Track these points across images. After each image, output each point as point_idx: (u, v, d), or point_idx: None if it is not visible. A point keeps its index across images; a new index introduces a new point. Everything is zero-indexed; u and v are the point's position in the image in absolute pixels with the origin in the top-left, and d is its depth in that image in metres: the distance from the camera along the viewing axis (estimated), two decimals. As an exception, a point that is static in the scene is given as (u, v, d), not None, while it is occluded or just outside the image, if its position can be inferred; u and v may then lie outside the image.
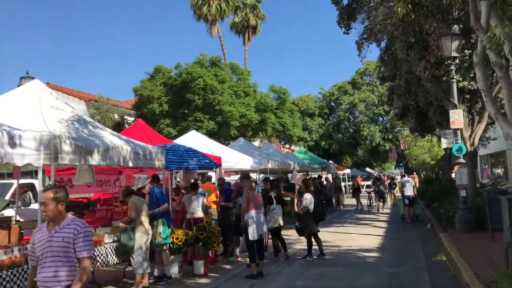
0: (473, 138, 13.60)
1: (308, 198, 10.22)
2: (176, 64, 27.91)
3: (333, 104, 60.57)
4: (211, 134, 25.19)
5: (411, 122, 18.44)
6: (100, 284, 7.95)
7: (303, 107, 58.66)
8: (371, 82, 58.11)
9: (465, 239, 10.86)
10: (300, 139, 55.59)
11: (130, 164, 7.81)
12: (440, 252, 10.28)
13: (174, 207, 10.49)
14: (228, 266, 9.73)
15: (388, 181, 26.27)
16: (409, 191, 17.19)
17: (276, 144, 35.86)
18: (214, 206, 11.28)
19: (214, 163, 10.94)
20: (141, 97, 27.26)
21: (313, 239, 10.30)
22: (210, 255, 9.41)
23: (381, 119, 57.19)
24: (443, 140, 12.74)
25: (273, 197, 10.20)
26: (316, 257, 10.03)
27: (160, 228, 8.25)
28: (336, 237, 13.71)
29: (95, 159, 6.81)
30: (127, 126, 27.91)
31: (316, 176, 24.04)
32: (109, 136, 7.75)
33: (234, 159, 14.46)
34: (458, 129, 12.22)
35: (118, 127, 27.59)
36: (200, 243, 8.79)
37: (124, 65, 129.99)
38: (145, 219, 7.76)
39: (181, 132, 23.27)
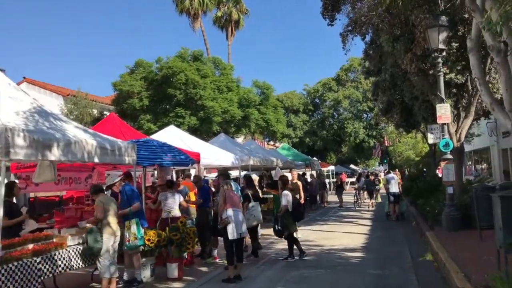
0: (460, 134, 13.24)
1: (286, 196, 9.75)
2: (157, 58, 27.22)
3: (317, 101, 60.37)
4: (193, 130, 24.56)
5: (396, 117, 18.07)
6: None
7: (288, 103, 58.29)
8: (356, 78, 58.00)
9: (453, 238, 10.48)
10: (284, 135, 55.40)
11: (96, 160, 7.19)
12: (427, 251, 9.88)
13: (149, 206, 9.91)
14: (204, 269, 9.17)
15: (373, 177, 25.90)
16: (394, 188, 16.80)
17: (259, 141, 35.37)
18: (193, 206, 10.72)
19: (190, 159, 10.35)
20: (120, 92, 26.50)
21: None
22: (186, 257, 8.84)
23: (365, 115, 57.13)
24: (430, 136, 12.35)
25: (249, 194, 9.66)
26: (297, 258, 9.52)
27: (134, 228, 7.67)
28: (319, 235, 13.26)
29: (54, 154, 6.18)
30: (106, 122, 27.09)
31: (301, 173, 23.59)
32: (72, 129, 7.11)
33: (214, 155, 13.90)
34: (445, 124, 11.83)
35: (96, 123, 26.81)
36: (174, 245, 8.22)
37: (105, 60, 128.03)
38: (112, 220, 7.16)
39: (162, 128, 22.54)
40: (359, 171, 43.57)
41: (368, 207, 22.89)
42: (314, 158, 29.99)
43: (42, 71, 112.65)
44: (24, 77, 30.65)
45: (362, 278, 7.80)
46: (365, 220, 17.15)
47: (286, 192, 9.78)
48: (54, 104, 27.49)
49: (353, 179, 44.23)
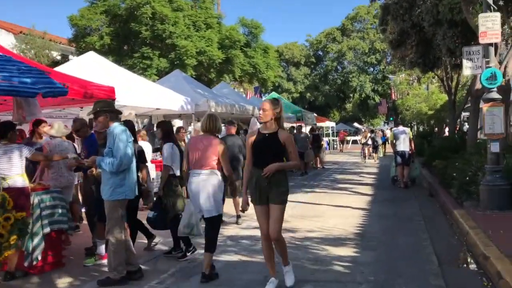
0: (505, 66, 9.03)
1: (168, 151, 5.85)
2: (121, -14, 22.60)
3: (320, 53, 55.73)
4: (164, 75, 20.44)
5: (411, 52, 13.72)
6: None
7: (288, 55, 53.69)
8: (362, 29, 53.13)
9: (501, 223, 6.56)
10: (284, 90, 51.12)
11: None
12: (462, 248, 5.92)
13: None
14: (67, 280, 5.22)
15: (380, 133, 23.35)
16: (403, 145, 12.66)
17: (250, 91, 31.10)
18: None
19: (58, 88, 6.06)
20: (77, 28, 22.14)
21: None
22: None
23: (371, 69, 52.56)
24: (466, 64, 8.11)
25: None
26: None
27: None
28: (298, 210, 9.33)
29: None
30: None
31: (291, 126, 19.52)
32: None
33: (153, 95, 9.85)
34: (491, 44, 7.63)
35: (55, 65, 22.72)
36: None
37: None
38: None
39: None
40: (363, 129, 39.47)
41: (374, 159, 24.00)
42: (308, 111, 25.76)
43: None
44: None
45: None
46: (365, 187, 13.14)
47: (169, 144, 5.91)
48: (3, 43, 23.32)
49: (357, 138, 40.46)
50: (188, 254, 5.71)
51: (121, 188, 4.88)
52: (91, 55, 10.02)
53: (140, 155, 5.62)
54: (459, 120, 22.45)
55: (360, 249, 6.08)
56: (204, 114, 10.47)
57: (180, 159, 5.85)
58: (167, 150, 5.81)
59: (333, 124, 38.33)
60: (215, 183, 4.97)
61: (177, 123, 12.31)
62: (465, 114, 25.73)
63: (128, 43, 22.24)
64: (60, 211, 5.43)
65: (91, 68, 9.22)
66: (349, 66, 51.85)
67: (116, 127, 4.90)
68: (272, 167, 4.37)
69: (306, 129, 20.96)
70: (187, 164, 5.12)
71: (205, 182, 4.93)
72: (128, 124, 5.49)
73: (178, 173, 5.83)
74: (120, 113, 5.43)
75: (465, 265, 5.28)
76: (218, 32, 22.83)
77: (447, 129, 22.31)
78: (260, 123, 4.74)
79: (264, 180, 4.40)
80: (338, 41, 53.07)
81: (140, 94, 9.42)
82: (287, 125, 20.62)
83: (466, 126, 26.36)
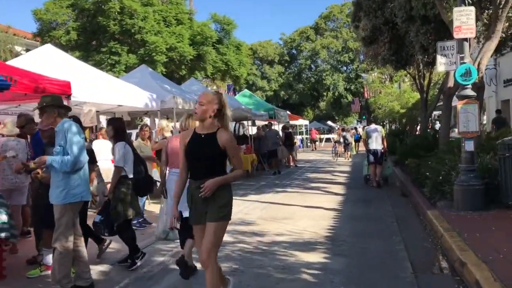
0: (479, 62, 8.84)
1: (121, 151, 5.34)
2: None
3: (294, 52, 55.68)
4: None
5: (384, 49, 13.49)
6: None
7: (262, 53, 53.46)
8: (335, 28, 53.29)
9: (476, 224, 6.36)
10: (258, 88, 50.73)
11: None
12: (436, 252, 5.66)
13: None
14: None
15: (353, 131, 23.31)
16: (376, 144, 12.44)
17: (223, 89, 30.61)
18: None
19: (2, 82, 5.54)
20: (42, 22, 21.25)
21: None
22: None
23: (345, 68, 52.76)
24: (440, 60, 7.85)
25: None
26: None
27: None
28: (268, 212, 8.96)
29: None
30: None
31: (262, 125, 19.18)
32: None
33: (116, 92, 9.30)
34: (466, 39, 7.39)
35: (18, 62, 21.74)
36: None
37: None
38: None
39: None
40: (337, 127, 39.44)
41: (345, 158, 24.25)
42: (281, 109, 25.44)
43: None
44: None
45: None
46: (337, 186, 12.87)
47: (121, 144, 5.37)
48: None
49: (330, 136, 40.51)
50: (137, 261, 5.22)
51: (76, 189, 4.39)
52: (49, 48, 9.38)
53: (89, 154, 5.13)
54: (430, 118, 22.51)
55: (330, 254, 5.73)
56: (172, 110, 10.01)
57: (135, 160, 5.34)
58: (119, 150, 5.27)
59: (306, 122, 38.10)
60: None
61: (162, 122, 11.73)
62: (436, 113, 25.85)
63: (95, 38, 21.50)
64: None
65: (49, 61, 8.64)
66: (323, 65, 51.94)
67: (66, 122, 4.42)
68: (211, 185, 3.45)
69: (278, 127, 20.64)
70: (166, 163, 5.14)
71: None
72: (76, 121, 4.99)
73: (131, 175, 5.33)
74: (70, 109, 4.92)
75: (440, 272, 4.99)
76: (190, 28, 22.29)
77: (418, 127, 22.33)
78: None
79: (199, 196, 3.52)
80: (311, 39, 53.14)
81: (102, 90, 8.86)
82: (259, 123, 20.30)
83: (437, 125, 26.52)
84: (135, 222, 7.41)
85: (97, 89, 8.65)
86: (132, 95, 9.72)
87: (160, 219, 6.14)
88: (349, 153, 25.06)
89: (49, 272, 5.00)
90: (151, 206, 9.46)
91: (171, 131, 8.28)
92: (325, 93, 54.29)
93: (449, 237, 5.70)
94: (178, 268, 4.78)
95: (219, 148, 3.56)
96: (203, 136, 3.62)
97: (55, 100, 4.62)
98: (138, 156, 5.36)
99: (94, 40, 21.58)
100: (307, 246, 6.15)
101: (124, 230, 5.21)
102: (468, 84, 7.34)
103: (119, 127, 5.50)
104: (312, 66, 53.87)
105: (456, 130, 8.81)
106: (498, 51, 11.53)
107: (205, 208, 3.57)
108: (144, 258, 5.25)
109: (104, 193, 5.22)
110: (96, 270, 5.17)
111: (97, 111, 11.01)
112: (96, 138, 9.35)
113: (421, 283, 4.59)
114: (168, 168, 5.56)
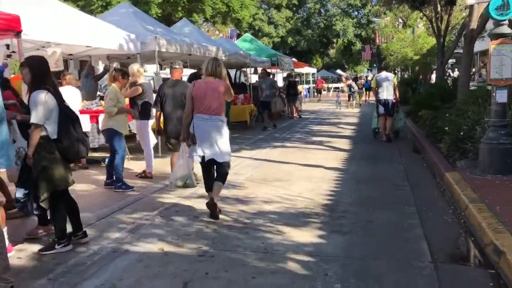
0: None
1: (37, 102, 3.89)
2: None
3: (303, -6, 52.85)
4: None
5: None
6: None
7: (269, -4, 50.79)
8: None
9: (508, 193, 5.17)
10: (264, 34, 48.49)
11: None
12: (461, 228, 4.54)
13: None
14: None
15: (363, 81, 22.27)
16: (387, 93, 11.10)
17: (225, 34, 28.86)
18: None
19: None
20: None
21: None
22: None
23: (355, 12, 50.20)
24: (470, -11, 6.40)
25: None
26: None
27: None
28: (259, 171, 7.84)
29: None
30: None
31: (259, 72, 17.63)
32: None
33: (87, 31, 7.98)
34: (504, -37, 5.92)
35: None
36: None
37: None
38: None
39: (84, 9, 16.46)
40: (345, 76, 37.73)
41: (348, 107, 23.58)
42: (286, 56, 23.84)
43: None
44: None
45: None
46: (342, 140, 11.64)
47: (38, 92, 3.94)
48: None
49: (339, 85, 38.75)
50: (57, 246, 4.09)
51: None
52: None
53: None
54: (446, 66, 20.92)
55: (327, 231, 4.60)
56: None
57: (63, 115, 4.00)
58: (35, 100, 3.89)
59: (314, 70, 36.38)
60: (227, 130, 5.08)
61: (133, 67, 10.39)
62: (450, 61, 24.15)
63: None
64: None
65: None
66: (333, 9, 49.40)
67: None
68: None
69: (282, 76, 19.19)
70: (191, 108, 4.97)
71: (219, 128, 4.96)
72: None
73: (55, 135, 3.98)
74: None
75: (465, 261, 3.87)
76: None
77: (433, 76, 20.79)
78: None
79: None
80: (322, -20, 50.33)
81: (70, 28, 7.56)
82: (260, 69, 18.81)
83: (454, 73, 24.86)
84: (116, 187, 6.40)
85: (62, 27, 7.36)
86: (106, 35, 8.40)
87: (177, 165, 5.23)
88: (354, 102, 24.14)
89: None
90: (131, 163, 8.36)
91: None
92: (334, 40, 52.08)
93: (477, 211, 4.54)
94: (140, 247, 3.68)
95: None
96: None
97: None
98: (68, 109, 4.08)
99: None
100: (299, 219, 5.02)
101: (54, 207, 4.06)
102: (504, 20, 5.93)
103: (39, 70, 4.04)
104: (322, 10, 51.31)
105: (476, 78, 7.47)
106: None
107: None
108: (66, 249, 4.09)
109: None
110: (26, 253, 4.11)
111: (69, 55, 9.77)
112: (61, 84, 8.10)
113: (442, 278, 3.46)
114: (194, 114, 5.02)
